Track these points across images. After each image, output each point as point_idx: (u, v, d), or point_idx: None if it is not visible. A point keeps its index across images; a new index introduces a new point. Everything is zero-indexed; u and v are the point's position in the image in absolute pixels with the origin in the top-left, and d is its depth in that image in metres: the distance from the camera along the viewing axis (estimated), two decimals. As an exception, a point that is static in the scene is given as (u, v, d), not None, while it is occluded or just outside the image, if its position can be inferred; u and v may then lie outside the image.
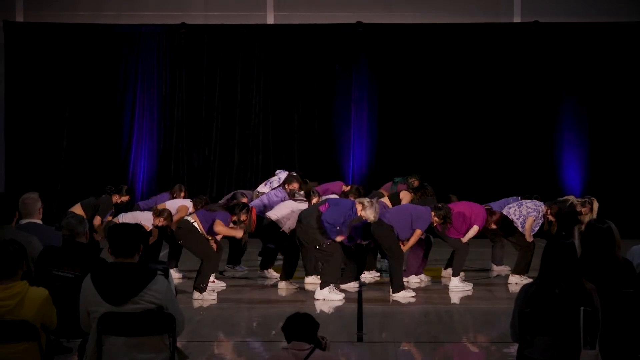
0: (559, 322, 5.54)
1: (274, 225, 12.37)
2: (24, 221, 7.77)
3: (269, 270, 12.98)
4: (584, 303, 5.50)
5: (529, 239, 12.46)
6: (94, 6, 19.03)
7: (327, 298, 11.07)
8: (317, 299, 11.07)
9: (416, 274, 12.48)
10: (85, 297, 5.64)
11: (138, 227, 5.85)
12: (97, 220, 13.13)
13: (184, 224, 11.47)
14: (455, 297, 11.63)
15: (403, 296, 11.31)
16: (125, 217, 12.22)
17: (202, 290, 11.18)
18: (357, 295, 11.50)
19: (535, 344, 5.59)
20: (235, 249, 13.54)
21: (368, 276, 12.76)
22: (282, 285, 12.03)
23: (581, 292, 5.55)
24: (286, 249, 12.26)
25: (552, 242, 5.69)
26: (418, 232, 11.60)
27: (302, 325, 5.59)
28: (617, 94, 18.54)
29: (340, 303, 11.00)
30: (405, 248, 11.60)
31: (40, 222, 7.91)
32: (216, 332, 9.74)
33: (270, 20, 19.05)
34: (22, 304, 5.71)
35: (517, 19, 18.92)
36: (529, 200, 12.82)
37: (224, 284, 12.20)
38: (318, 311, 10.52)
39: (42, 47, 18.70)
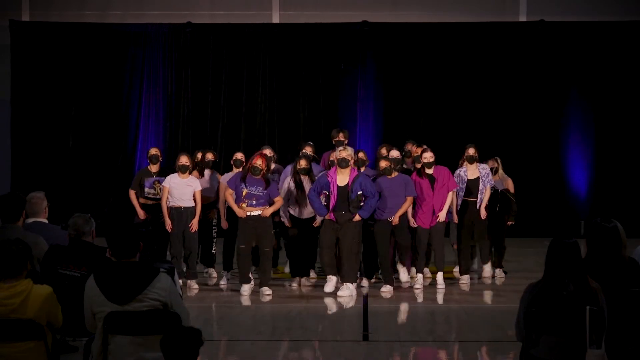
0: (565, 322, 5.53)
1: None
2: (30, 220, 7.79)
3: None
4: (590, 302, 5.50)
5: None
6: (100, 5, 19.04)
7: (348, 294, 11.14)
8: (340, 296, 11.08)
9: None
10: (89, 297, 5.67)
11: (135, 226, 5.87)
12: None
13: None
14: (461, 297, 11.62)
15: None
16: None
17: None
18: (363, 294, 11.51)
19: (541, 343, 5.59)
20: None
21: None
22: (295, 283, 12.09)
23: (587, 291, 5.55)
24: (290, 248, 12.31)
25: (555, 242, 5.69)
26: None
27: (182, 345, 4.97)
28: (623, 93, 18.48)
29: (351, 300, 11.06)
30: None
31: (46, 221, 7.93)
32: (222, 331, 9.75)
33: (276, 19, 19.04)
34: (26, 301, 5.71)
35: (522, 18, 18.89)
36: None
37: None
38: (324, 310, 10.52)
39: (48, 47, 18.70)
